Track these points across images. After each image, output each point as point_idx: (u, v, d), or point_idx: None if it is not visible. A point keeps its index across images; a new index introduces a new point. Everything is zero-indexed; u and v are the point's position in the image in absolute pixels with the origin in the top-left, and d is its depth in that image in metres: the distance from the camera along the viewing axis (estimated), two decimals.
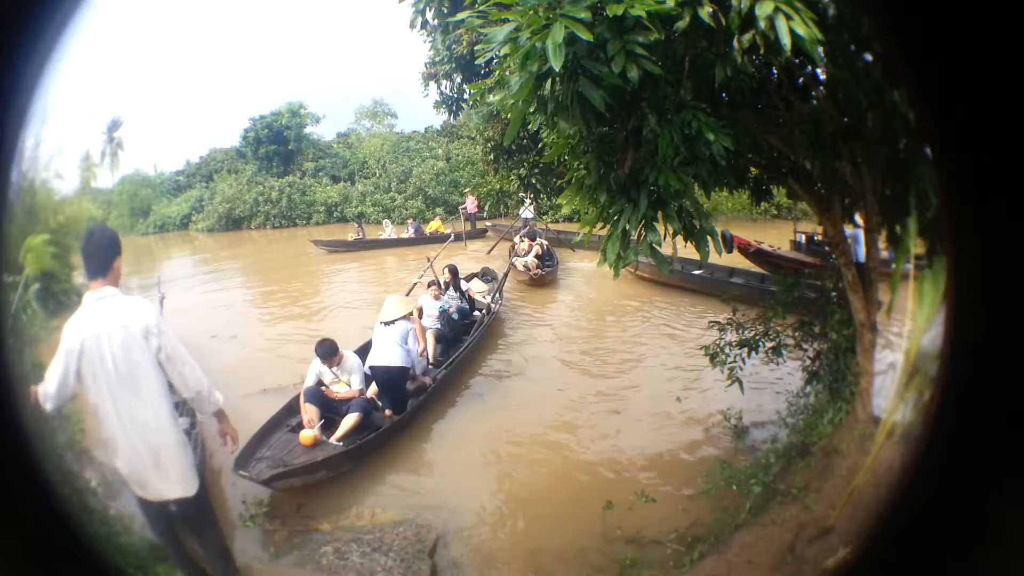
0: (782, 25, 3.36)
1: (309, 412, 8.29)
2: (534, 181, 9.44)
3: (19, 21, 1.03)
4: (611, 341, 12.28)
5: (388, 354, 9.01)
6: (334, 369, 8.76)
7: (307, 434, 8.05)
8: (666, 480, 6.86)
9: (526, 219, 19.83)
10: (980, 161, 1.05)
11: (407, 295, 10.73)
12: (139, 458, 4.39)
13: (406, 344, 9.20)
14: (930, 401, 1.27)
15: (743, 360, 6.80)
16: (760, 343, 6.73)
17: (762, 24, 3.43)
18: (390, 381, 9.01)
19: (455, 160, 35.16)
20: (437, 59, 8.18)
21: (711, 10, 3.64)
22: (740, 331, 6.85)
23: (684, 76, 4.08)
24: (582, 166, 4.93)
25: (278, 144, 44.54)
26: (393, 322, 9.37)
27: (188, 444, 4.56)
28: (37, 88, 1.14)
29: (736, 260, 13.03)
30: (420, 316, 10.46)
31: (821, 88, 4.78)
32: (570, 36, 3.51)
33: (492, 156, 9.41)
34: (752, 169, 6.11)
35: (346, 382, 8.79)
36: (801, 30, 3.34)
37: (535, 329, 13.45)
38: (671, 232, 4.56)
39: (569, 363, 11.13)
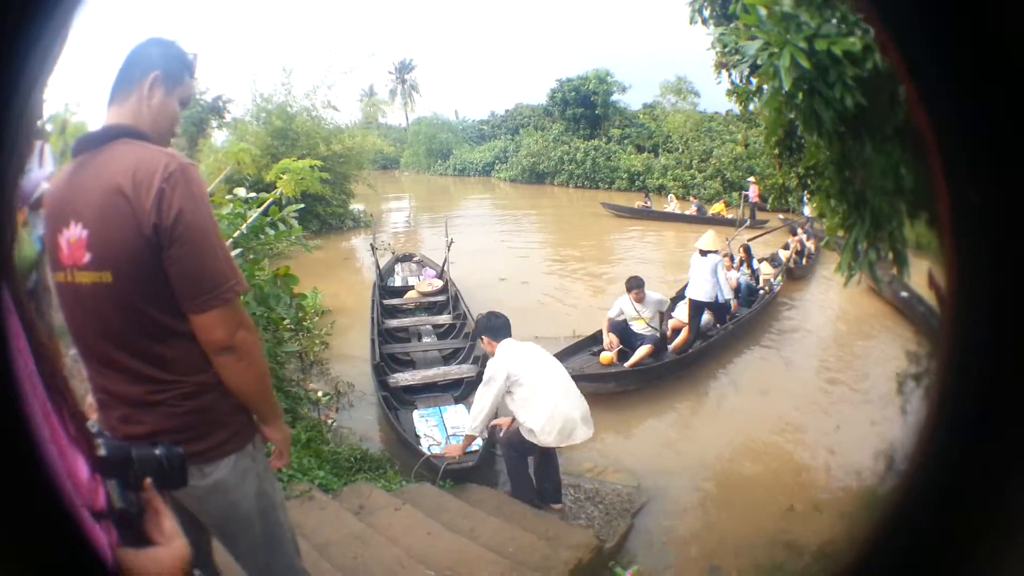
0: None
1: (611, 338, 10.24)
2: (809, 181, 9.50)
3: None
4: (848, 347, 12.43)
5: (700, 288, 11.17)
6: (636, 305, 10.30)
7: (606, 355, 10.13)
8: (836, 496, 6.97)
9: (806, 216, 19.67)
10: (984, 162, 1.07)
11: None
12: (572, 418, 6.04)
13: (715, 276, 11.15)
14: (931, 401, 1.27)
15: None
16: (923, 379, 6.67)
17: None
18: (696, 311, 11.26)
19: (753, 147, 34.55)
20: (725, 50, 8.42)
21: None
22: (918, 363, 6.81)
23: (882, 110, 4.31)
24: (827, 175, 5.23)
25: (585, 107, 45.40)
26: (707, 254, 11.27)
27: None
28: (39, 81, 1.07)
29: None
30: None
31: None
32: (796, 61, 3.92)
33: (777, 151, 9.51)
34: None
35: (646, 319, 10.32)
36: None
37: (792, 323, 13.80)
38: (887, 254, 4.78)
39: (809, 365, 11.43)
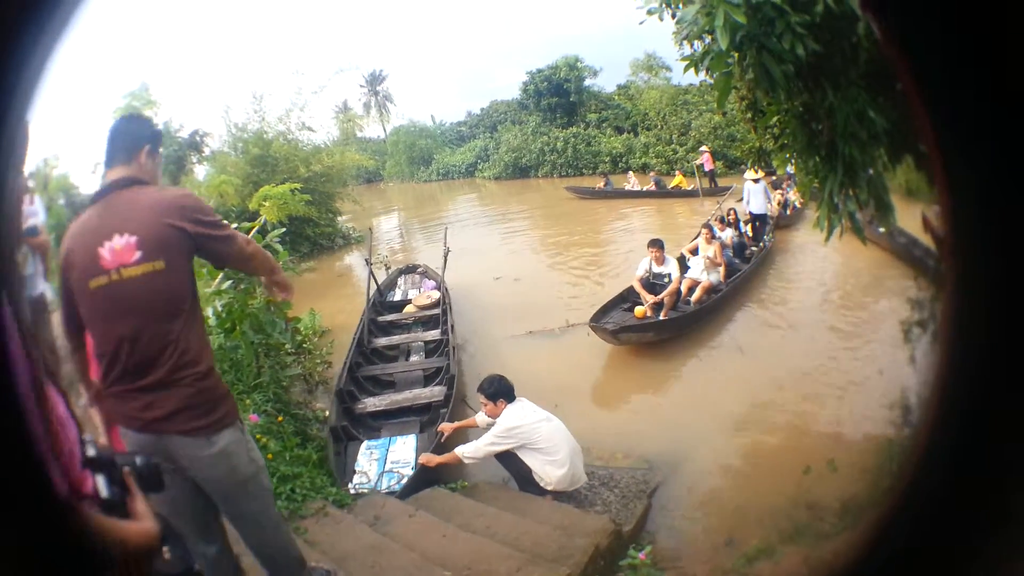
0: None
1: (651, 298, 11.34)
2: (786, 141, 9.47)
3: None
4: (847, 296, 12.40)
5: (757, 204, 15.90)
6: (655, 269, 11.73)
7: (640, 309, 11.35)
8: (855, 452, 6.89)
9: (789, 174, 20.14)
10: (983, 160, 1.02)
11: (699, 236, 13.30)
12: (578, 470, 6.38)
13: (764, 195, 16.03)
14: (932, 397, 1.21)
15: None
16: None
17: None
18: (756, 220, 15.93)
19: (730, 115, 34.45)
20: (676, 21, 8.31)
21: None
22: (920, 310, 6.72)
23: (843, 55, 4.23)
24: (789, 132, 5.17)
25: (559, 96, 44.99)
26: (758, 180, 15.64)
27: None
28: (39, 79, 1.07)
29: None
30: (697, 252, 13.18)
31: None
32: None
33: (749, 114, 9.44)
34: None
35: (667, 273, 11.66)
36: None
37: (788, 275, 14.37)
38: (867, 202, 4.72)
39: (809, 319, 11.52)
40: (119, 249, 2.95)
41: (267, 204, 10.37)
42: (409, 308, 13.86)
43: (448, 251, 15.01)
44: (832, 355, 9.56)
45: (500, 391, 6.64)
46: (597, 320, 10.82)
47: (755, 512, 6.15)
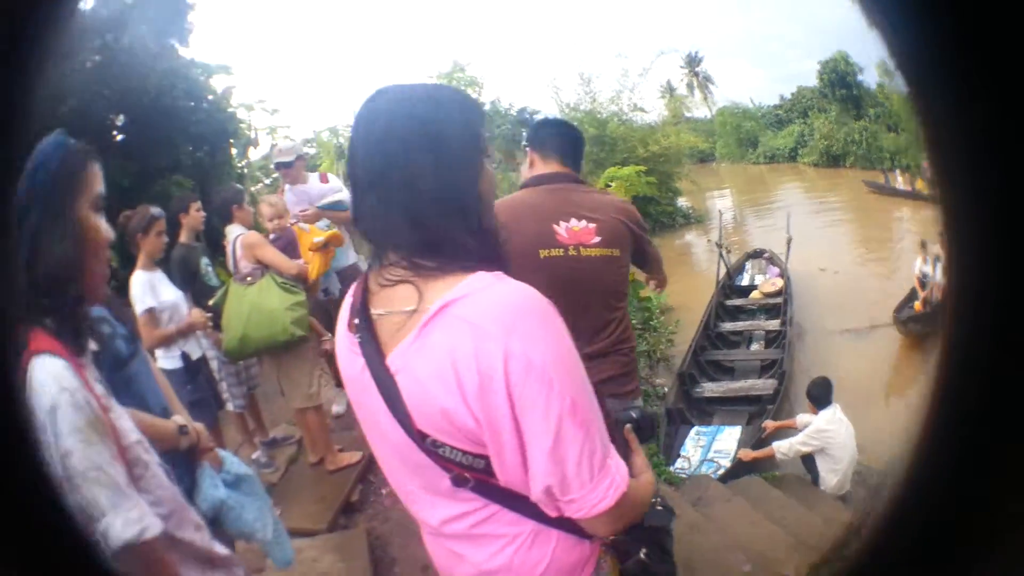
0: None
1: (919, 289, 11.68)
2: None
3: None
4: None
5: None
6: (923, 268, 11.86)
7: (917, 303, 11.51)
8: None
9: None
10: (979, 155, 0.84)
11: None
12: (848, 474, 6.45)
13: None
14: (932, 396, 1.00)
15: None
16: None
17: None
18: None
19: None
20: None
21: None
22: None
23: None
24: None
25: (846, 88, 42.23)
26: None
27: None
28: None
29: None
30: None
31: None
32: None
33: None
34: None
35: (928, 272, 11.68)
36: None
37: None
38: None
39: None
40: (578, 231, 2.97)
41: (613, 185, 10.61)
42: (755, 294, 13.23)
43: (791, 238, 14.18)
44: None
45: (822, 393, 6.59)
46: (898, 312, 11.45)
47: None
